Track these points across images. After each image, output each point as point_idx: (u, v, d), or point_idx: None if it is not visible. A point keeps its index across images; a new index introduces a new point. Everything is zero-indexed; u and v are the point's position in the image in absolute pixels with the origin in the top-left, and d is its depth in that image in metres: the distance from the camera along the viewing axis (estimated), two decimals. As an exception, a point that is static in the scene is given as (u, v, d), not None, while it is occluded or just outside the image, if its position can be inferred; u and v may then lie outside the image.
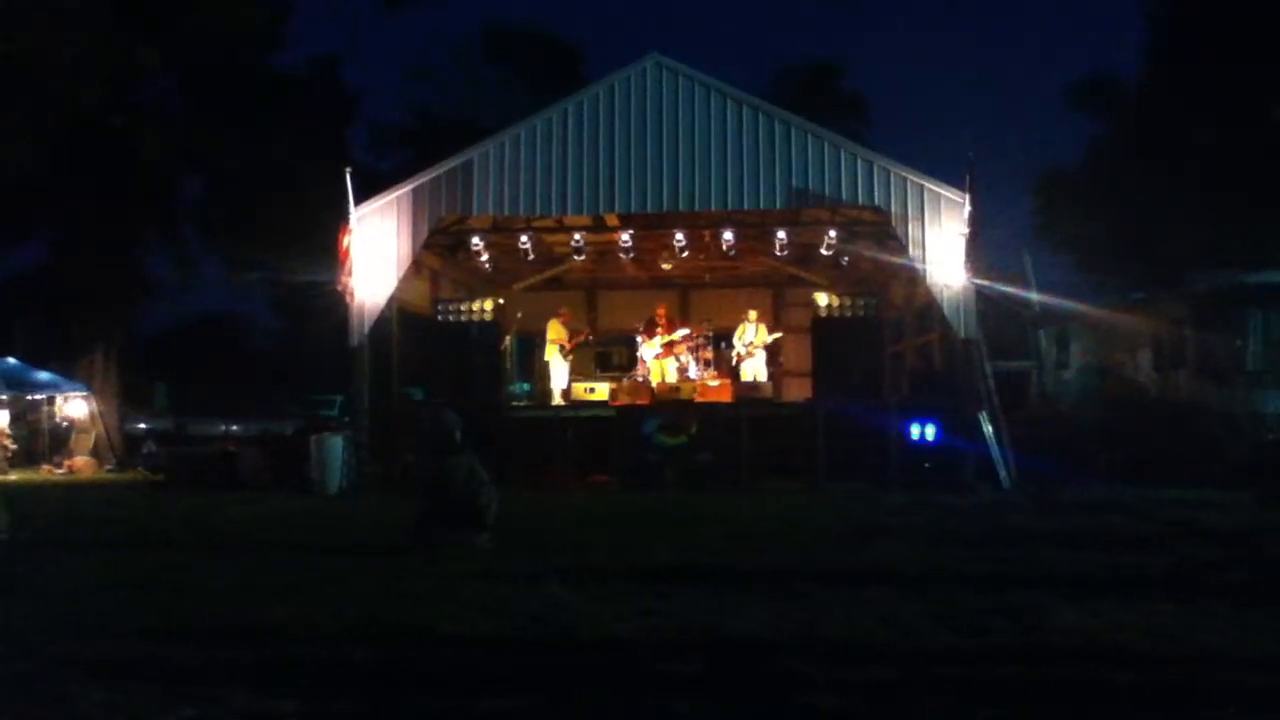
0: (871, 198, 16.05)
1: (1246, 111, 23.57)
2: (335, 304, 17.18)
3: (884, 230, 16.78)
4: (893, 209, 15.93)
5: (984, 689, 4.92)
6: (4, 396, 20.49)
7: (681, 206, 16.43)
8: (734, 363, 18.92)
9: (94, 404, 21.63)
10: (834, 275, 19.70)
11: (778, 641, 5.71)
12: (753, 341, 18.67)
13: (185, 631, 6.07)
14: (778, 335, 19.34)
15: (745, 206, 16.51)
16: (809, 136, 16.23)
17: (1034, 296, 19.90)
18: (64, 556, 9.21)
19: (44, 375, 21.28)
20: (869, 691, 4.85)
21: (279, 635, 5.99)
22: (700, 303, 22.14)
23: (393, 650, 5.66)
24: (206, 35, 20.95)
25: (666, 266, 19.71)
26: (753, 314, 19.07)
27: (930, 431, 15.35)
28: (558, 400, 18.21)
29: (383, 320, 16.93)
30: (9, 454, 19.97)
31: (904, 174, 15.99)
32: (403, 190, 16.74)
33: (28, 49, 17.37)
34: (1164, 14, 27.13)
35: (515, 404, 18.77)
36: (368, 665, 5.37)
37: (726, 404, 17.16)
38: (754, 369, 18.61)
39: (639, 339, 19.11)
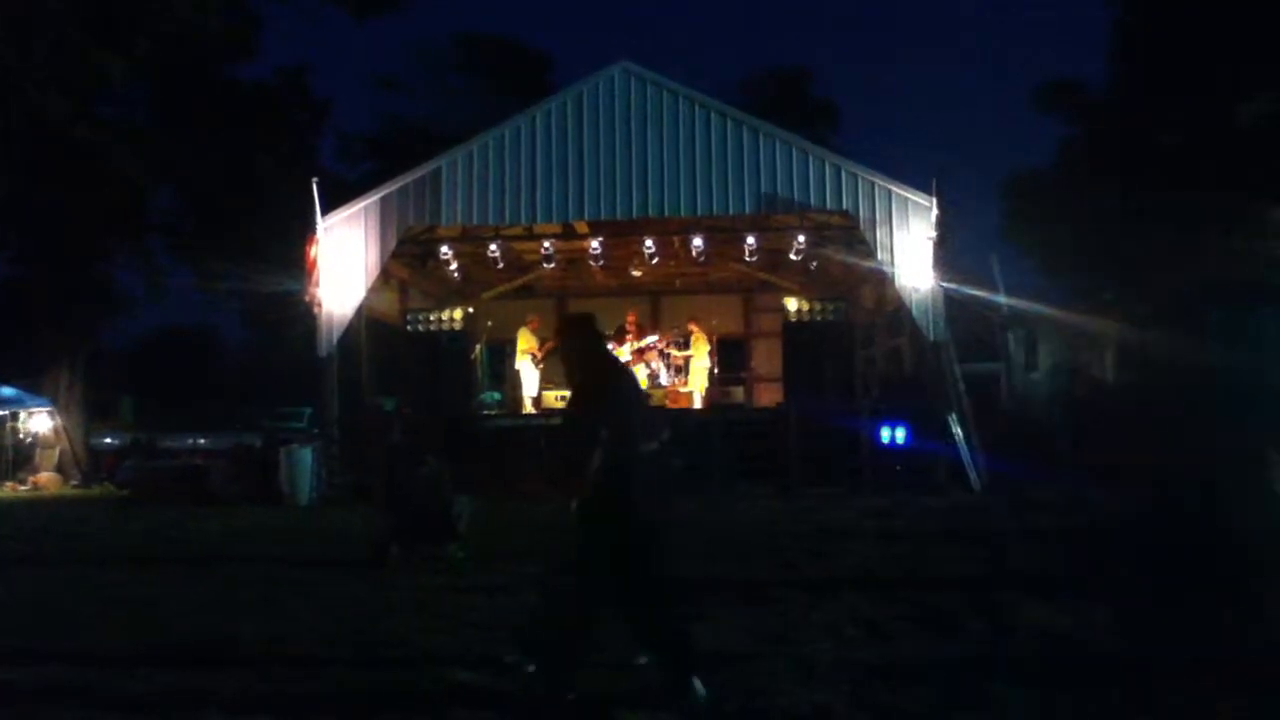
0: (840, 202, 16.14)
1: (1212, 114, 23.84)
2: (304, 315, 17.04)
3: (853, 235, 16.85)
4: (861, 213, 16.01)
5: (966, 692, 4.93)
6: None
7: (651, 213, 16.43)
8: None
9: (58, 419, 21.35)
10: (804, 280, 19.78)
11: (752, 650, 5.69)
12: (690, 353, 18.63)
13: (154, 649, 5.98)
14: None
15: (714, 212, 16.53)
16: (777, 142, 16.30)
17: (1002, 299, 20.07)
18: (29, 572, 9.07)
19: (7, 391, 20.97)
20: (849, 703, 4.84)
21: (250, 651, 5.91)
22: (671, 309, 22.14)
23: (364, 664, 5.60)
24: (174, 46, 20.73)
25: (637, 273, 19.69)
26: (692, 326, 18.91)
27: (901, 434, 15.39)
28: (529, 408, 18.16)
29: (351, 330, 16.82)
30: (-28, 471, 19.71)
31: (872, 179, 16.08)
32: (370, 199, 16.63)
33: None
34: (1129, 18, 27.41)
35: (486, 413, 18.70)
36: (339, 681, 5.31)
37: (698, 410, 17.14)
38: (696, 380, 18.49)
39: (610, 346, 19.02)
